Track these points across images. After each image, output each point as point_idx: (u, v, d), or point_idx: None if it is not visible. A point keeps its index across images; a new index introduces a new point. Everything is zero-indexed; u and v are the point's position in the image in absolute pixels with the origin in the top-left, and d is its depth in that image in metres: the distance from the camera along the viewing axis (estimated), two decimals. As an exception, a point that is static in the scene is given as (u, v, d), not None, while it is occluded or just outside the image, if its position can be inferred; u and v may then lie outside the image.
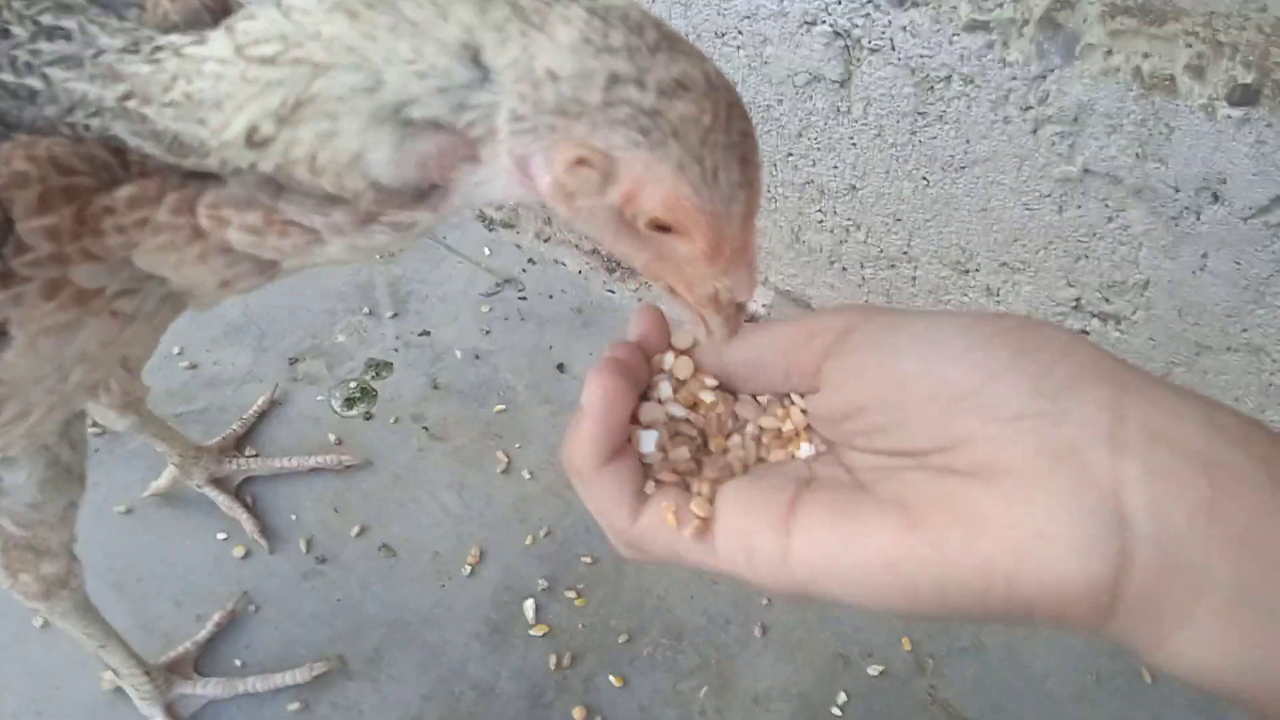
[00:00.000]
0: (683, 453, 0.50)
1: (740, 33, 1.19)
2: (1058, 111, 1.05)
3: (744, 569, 0.45)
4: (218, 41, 0.50)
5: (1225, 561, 0.37)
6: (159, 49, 0.52)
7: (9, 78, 0.53)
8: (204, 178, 0.54)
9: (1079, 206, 1.12)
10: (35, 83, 0.53)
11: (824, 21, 1.12)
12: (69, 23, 0.54)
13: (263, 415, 1.39)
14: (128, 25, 0.55)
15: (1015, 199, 1.16)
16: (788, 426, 0.51)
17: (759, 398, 0.52)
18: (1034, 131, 1.09)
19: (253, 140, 0.49)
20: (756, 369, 0.51)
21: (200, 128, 0.50)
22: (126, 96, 0.51)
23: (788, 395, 0.51)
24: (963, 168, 1.17)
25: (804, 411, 0.50)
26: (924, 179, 1.21)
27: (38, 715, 1.16)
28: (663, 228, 0.46)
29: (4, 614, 1.21)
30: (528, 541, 1.31)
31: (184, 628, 1.22)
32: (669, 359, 0.52)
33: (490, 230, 1.62)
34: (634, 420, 0.50)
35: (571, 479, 0.49)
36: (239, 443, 1.35)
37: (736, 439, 0.51)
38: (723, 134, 0.44)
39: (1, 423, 0.63)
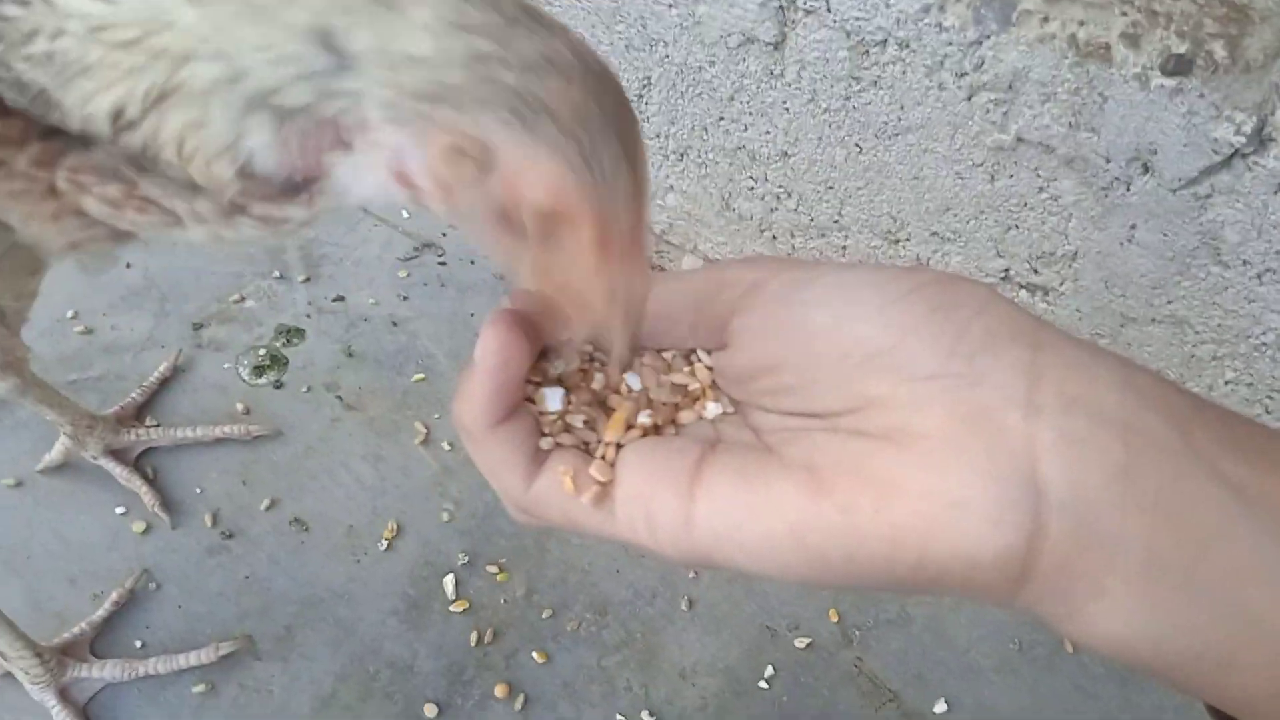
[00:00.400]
0: (581, 413, 0.47)
1: (672, -10, 1.15)
2: (993, 79, 1.04)
3: (644, 536, 0.43)
4: (84, 2, 0.46)
5: (1138, 529, 0.36)
6: None
7: None
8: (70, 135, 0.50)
9: (1010, 176, 1.11)
10: None
11: (759, -20, 1.09)
12: None
13: (164, 383, 1.31)
14: None
15: (948, 167, 1.14)
16: (694, 385, 0.48)
17: (663, 353, 0.49)
18: (968, 99, 1.07)
19: (118, 123, 0.47)
20: (662, 322, 0.48)
21: (65, 91, 0.47)
22: None
23: (693, 351, 0.48)
24: (896, 135, 1.15)
25: (709, 369, 0.48)
26: (857, 145, 1.19)
27: (-84, 703, 1.08)
28: (547, 219, 0.43)
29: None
30: (446, 516, 1.27)
31: (79, 608, 1.15)
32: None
33: (408, 193, 1.56)
34: (530, 379, 0.47)
35: (462, 439, 0.46)
36: (139, 412, 1.27)
37: (636, 398, 0.48)
38: (596, 108, 0.42)
39: None
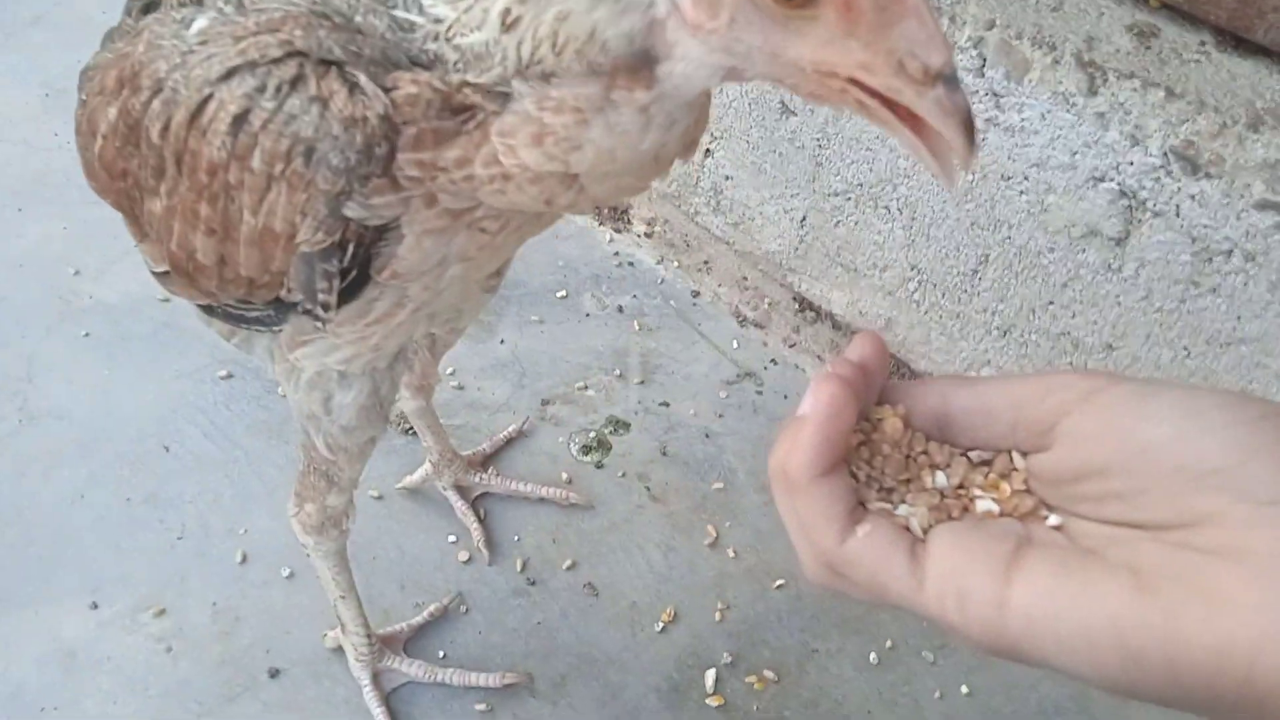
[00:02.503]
0: (900, 477, 0.50)
1: (1026, 179, 1.26)
2: (1341, 302, 1.05)
3: (952, 613, 0.43)
4: None
5: None
6: None
7: (402, 15, 0.66)
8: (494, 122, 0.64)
9: (1349, 403, 1.10)
10: (418, 18, 0.66)
11: (1112, 179, 1.17)
12: None
13: (510, 441, 1.52)
14: None
15: (1279, 385, 1.15)
16: (1015, 484, 0.49)
17: (970, 454, 0.51)
18: (1312, 319, 1.09)
19: (506, 23, 0.60)
20: (982, 418, 0.49)
21: (477, 33, 0.61)
22: (451, 24, 0.64)
23: (1008, 453, 0.50)
24: (1228, 344, 1.17)
25: (1017, 471, 0.49)
26: (1185, 349, 1.22)
27: (265, 653, 1.29)
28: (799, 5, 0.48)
29: (260, 558, 1.38)
30: (719, 616, 1.36)
31: (402, 610, 1.34)
32: (884, 410, 0.52)
33: (742, 326, 1.73)
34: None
35: (777, 489, 0.48)
36: (486, 460, 1.48)
37: (953, 483, 0.50)
38: None
39: (369, 319, 0.76)
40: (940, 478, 0.51)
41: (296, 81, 0.66)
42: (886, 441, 0.51)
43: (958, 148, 0.51)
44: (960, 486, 0.50)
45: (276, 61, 0.67)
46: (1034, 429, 0.48)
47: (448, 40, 0.64)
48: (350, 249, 0.70)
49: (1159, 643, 0.39)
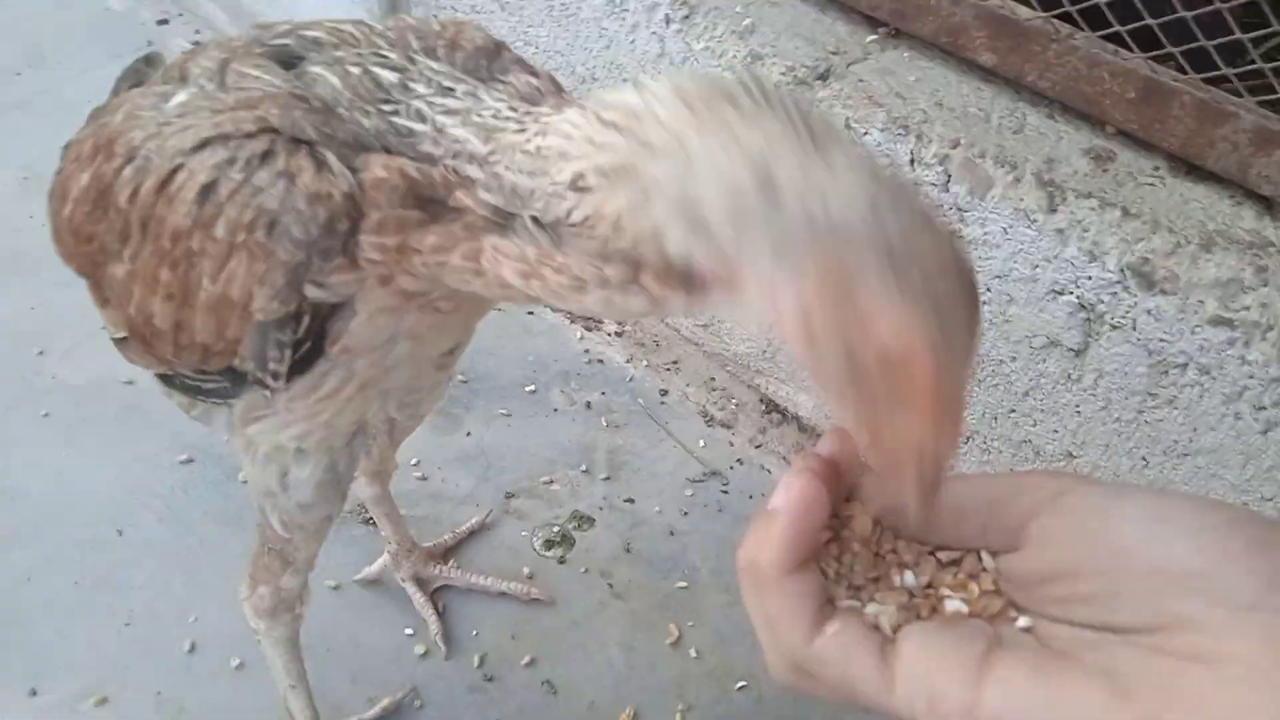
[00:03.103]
0: (869, 575, 0.49)
1: (989, 290, 1.30)
2: (1292, 417, 1.08)
3: (923, 716, 0.43)
4: (573, 111, 0.62)
5: None
6: (529, 115, 0.66)
7: (400, 121, 0.69)
8: (489, 232, 0.66)
9: (1302, 517, 1.12)
10: (421, 127, 0.68)
11: (1072, 293, 1.21)
12: (460, 87, 0.70)
13: (472, 534, 1.50)
14: (500, 95, 0.70)
15: (1235, 496, 1.17)
16: (984, 584, 0.49)
17: (939, 554, 0.51)
18: (1264, 432, 1.12)
19: (577, 185, 0.59)
20: (952, 516, 0.49)
21: (537, 179, 0.62)
22: (492, 151, 0.65)
23: (976, 553, 0.50)
24: (1185, 455, 1.20)
25: (986, 571, 0.49)
26: (1143, 458, 1.24)
27: (210, 747, 1.25)
28: (888, 364, 0.46)
29: (209, 648, 1.34)
30: (679, 718, 1.34)
31: (354, 704, 1.31)
32: (854, 507, 0.51)
33: (709, 425, 1.74)
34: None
35: (745, 585, 0.47)
36: (447, 552, 1.46)
37: (922, 582, 0.50)
38: (956, 276, 0.47)
39: (320, 395, 0.77)
40: (909, 577, 0.50)
41: (266, 156, 0.68)
42: (856, 539, 0.51)
43: (915, 509, 0.50)
44: (929, 586, 0.50)
45: (250, 136, 0.69)
46: (1004, 529, 0.48)
47: (485, 162, 0.65)
48: (305, 321, 0.71)
49: None
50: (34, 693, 1.27)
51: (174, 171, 0.71)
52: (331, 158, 0.67)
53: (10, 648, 1.31)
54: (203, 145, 0.70)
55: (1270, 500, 1.14)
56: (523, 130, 0.64)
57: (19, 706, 1.26)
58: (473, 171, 0.66)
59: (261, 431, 0.84)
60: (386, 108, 0.69)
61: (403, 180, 0.67)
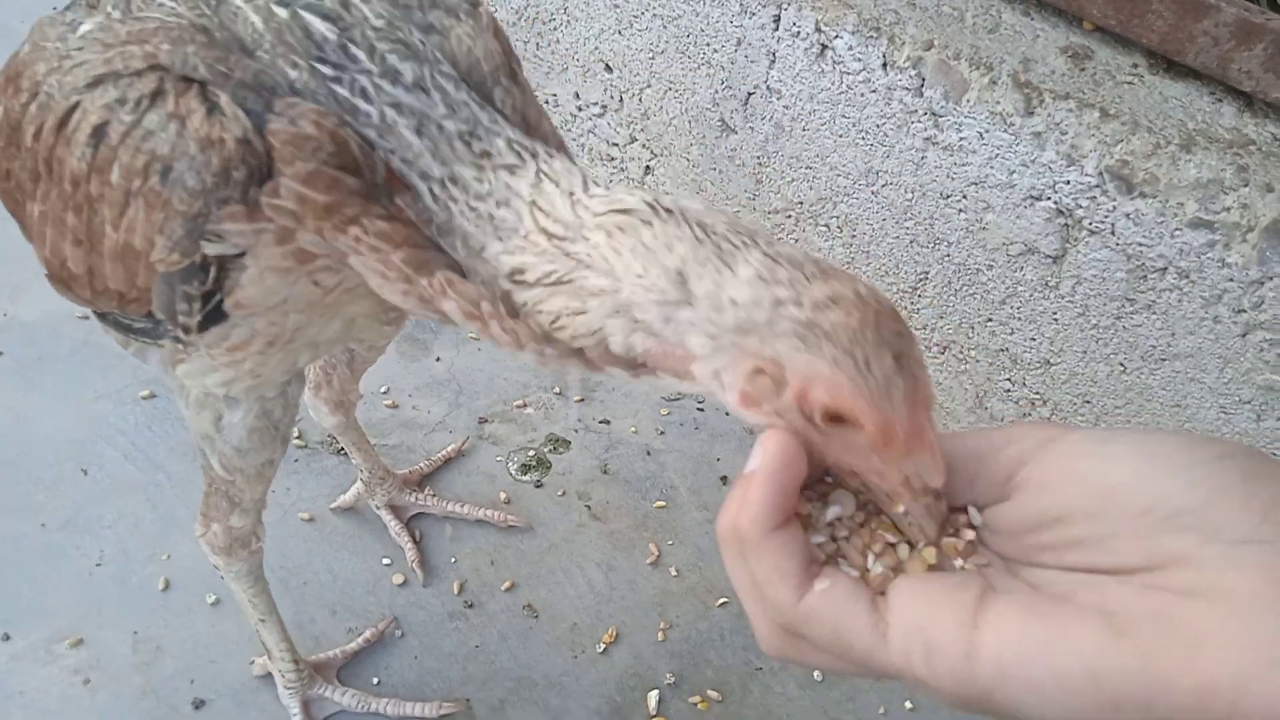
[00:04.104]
0: (859, 528, 0.50)
1: (965, 197, 1.27)
2: (1271, 319, 1.07)
3: (919, 667, 0.42)
4: (523, 188, 0.61)
5: None
6: (486, 155, 0.63)
7: (343, 91, 0.63)
8: (441, 250, 0.64)
9: (1278, 418, 1.12)
10: (366, 107, 0.63)
11: (1049, 198, 1.19)
12: (408, 70, 0.64)
13: (447, 461, 1.48)
14: (464, 109, 0.65)
15: (1213, 399, 1.17)
16: (966, 537, 0.49)
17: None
18: (1243, 335, 1.11)
19: (515, 279, 0.61)
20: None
21: (487, 240, 0.61)
22: (449, 179, 0.62)
23: (963, 508, 0.51)
24: (1163, 360, 1.19)
25: (973, 528, 0.50)
26: (1121, 365, 1.24)
27: (190, 683, 1.24)
28: (837, 420, 0.49)
29: (183, 585, 1.32)
30: (661, 636, 1.34)
31: (334, 636, 1.30)
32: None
33: (682, 343, 1.72)
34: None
35: (726, 548, 0.48)
36: (422, 480, 1.44)
37: (906, 540, 0.50)
38: (872, 333, 0.49)
39: (230, 344, 0.74)
40: (898, 536, 0.51)
41: (156, 96, 0.64)
42: (839, 495, 0.52)
43: (924, 529, 0.51)
44: (918, 543, 0.50)
45: (138, 74, 0.65)
46: (993, 480, 0.48)
47: (441, 185, 0.63)
48: (212, 272, 0.68)
49: (1137, 685, 0.38)
50: (6, 637, 1.25)
51: (70, 110, 0.67)
52: (225, 99, 0.63)
53: (-21, 593, 1.29)
54: (95, 83, 0.66)
55: (1248, 403, 1.14)
56: (480, 180, 0.62)
57: (-8, 651, 1.24)
58: (421, 186, 0.63)
59: (189, 374, 0.81)
60: (325, 69, 0.64)
61: (332, 145, 0.62)
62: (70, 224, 0.71)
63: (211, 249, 0.66)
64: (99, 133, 0.66)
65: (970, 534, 0.49)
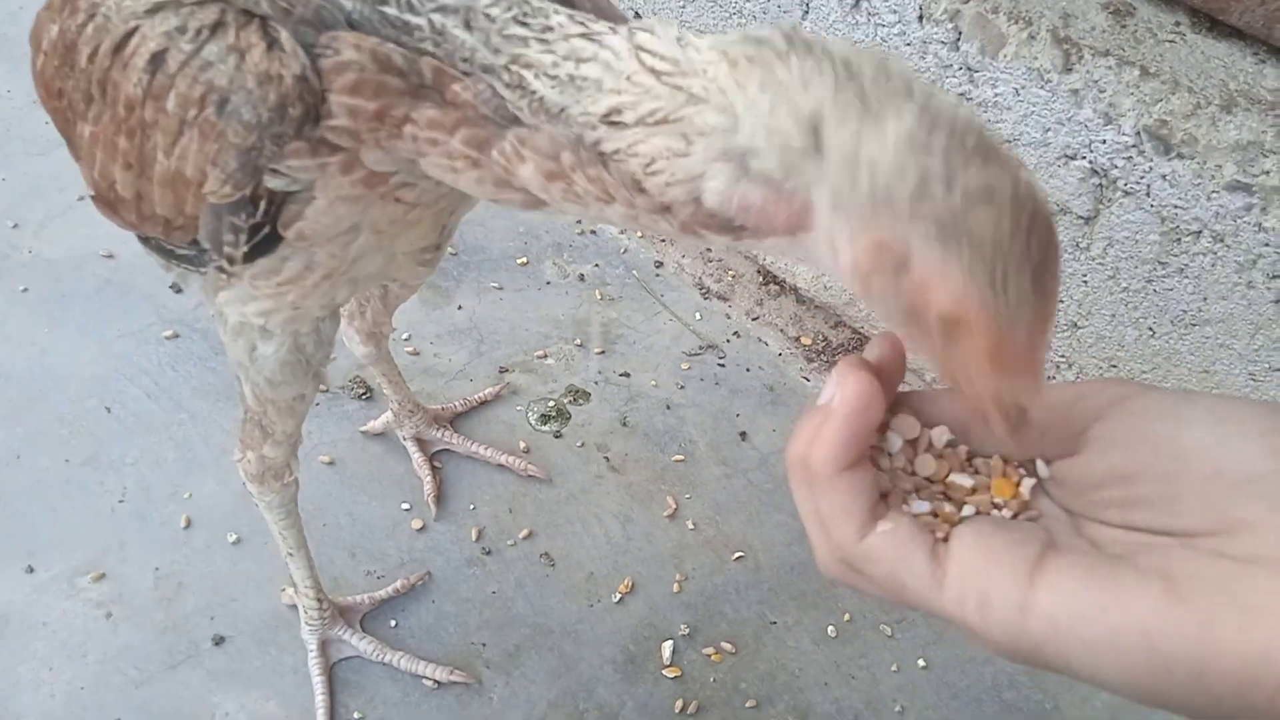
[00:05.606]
0: (929, 468, 0.49)
1: (997, 154, 1.25)
2: (1306, 285, 1.06)
3: (972, 615, 0.42)
4: (617, 42, 0.56)
5: None
6: (549, 30, 0.59)
7: (391, 11, 0.62)
8: (498, 125, 0.60)
9: (1309, 386, 1.11)
10: (416, 20, 0.61)
11: (1084, 157, 1.17)
12: None
13: (472, 408, 1.49)
14: None
15: (1242, 366, 1.15)
16: (1025, 487, 0.49)
17: (991, 459, 0.50)
18: (1276, 301, 1.09)
19: (611, 119, 0.55)
20: None
21: (571, 101, 0.56)
22: (513, 61, 0.59)
23: (1031, 460, 0.50)
24: (1193, 325, 1.18)
25: (1037, 478, 0.49)
26: (1150, 329, 1.22)
27: (210, 619, 1.25)
28: (948, 324, 0.46)
29: (204, 524, 1.33)
30: (676, 588, 1.35)
31: (351, 578, 1.31)
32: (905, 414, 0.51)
33: (705, 299, 1.71)
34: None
35: (795, 481, 0.47)
36: (454, 419, 1.46)
37: (973, 485, 0.50)
38: (1019, 244, 0.44)
39: (281, 279, 0.74)
40: (964, 479, 0.50)
41: (217, 27, 0.64)
42: (903, 422, 0.51)
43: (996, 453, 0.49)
44: (978, 490, 0.50)
45: (200, 3, 0.65)
46: (1063, 434, 0.47)
47: (503, 70, 0.59)
48: (262, 205, 0.67)
49: (1190, 650, 0.38)
50: (30, 569, 1.27)
51: (129, 35, 0.67)
52: (285, 35, 0.62)
53: (1, 526, 1.30)
54: (156, 9, 0.66)
55: (1278, 370, 1.12)
56: (549, 51, 0.58)
57: (15, 583, 1.25)
58: (490, 79, 0.59)
59: (228, 301, 0.82)
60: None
61: (374, 63, 0.61)
62: (121, 148, 0.71)
63: (275, 183, 0.66)
64: (157, 59, 0.66)
65: (1031, 482, 0.49)
